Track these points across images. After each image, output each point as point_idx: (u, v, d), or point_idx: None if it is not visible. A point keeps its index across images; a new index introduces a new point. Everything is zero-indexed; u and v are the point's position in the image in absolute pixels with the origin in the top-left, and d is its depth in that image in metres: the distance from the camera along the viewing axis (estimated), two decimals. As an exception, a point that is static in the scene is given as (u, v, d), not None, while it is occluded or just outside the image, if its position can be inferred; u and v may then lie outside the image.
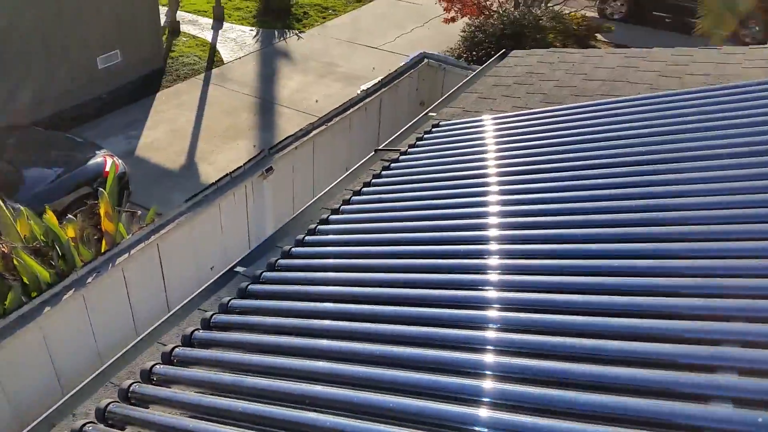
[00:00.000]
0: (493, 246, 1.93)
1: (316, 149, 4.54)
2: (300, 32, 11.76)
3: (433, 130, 3.09)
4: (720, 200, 1.85)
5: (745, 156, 2.04)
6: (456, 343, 1.52)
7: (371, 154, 3.37)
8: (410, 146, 2.95)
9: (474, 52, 8.53)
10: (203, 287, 2.35)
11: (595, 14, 12.78)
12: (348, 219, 2.41)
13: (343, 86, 9.63)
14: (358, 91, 7.63)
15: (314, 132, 4.41)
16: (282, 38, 11.50)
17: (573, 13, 10.21)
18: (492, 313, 1.59)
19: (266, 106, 9.18)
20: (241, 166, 4.03)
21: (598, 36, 11.00)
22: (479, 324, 1.57)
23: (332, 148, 4.74)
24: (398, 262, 1.99)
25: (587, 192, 2.11)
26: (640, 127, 2.51)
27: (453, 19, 10.27)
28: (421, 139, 3.01)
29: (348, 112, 4.78)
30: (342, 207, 2.56)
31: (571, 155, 2.43)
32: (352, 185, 3.07)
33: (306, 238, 2.34)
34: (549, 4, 9.99)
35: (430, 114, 3.79)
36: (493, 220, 2.09)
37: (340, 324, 1.75)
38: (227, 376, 1.63)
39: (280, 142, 4.24)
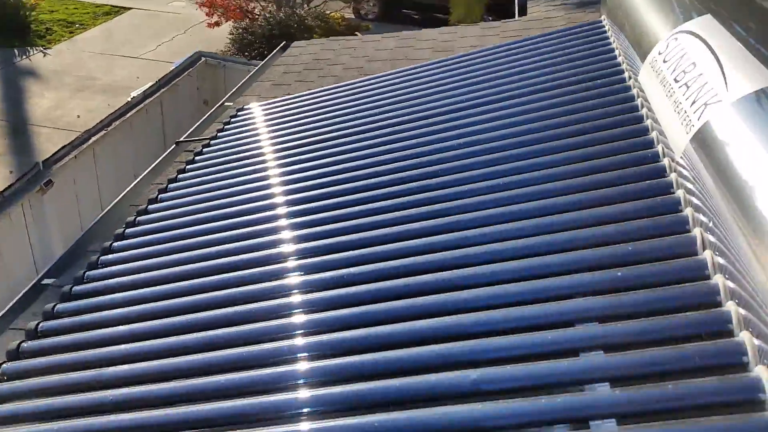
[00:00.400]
0: (289, 232, 1.89)
1: (98, 158, 4.15)
2: (46, 48, 10.62)
3: (239, 114, 3.01)
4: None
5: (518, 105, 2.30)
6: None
7: (173, 147, 3.18)
8: (219, 131, 2.84)
9: (246, 53, 8.44)
10: (11, 304, 2.03)
11: (352, 15, 13.39)
12: (159, 217, 2.20)
13: (107, 98, 8.91)
14: (129, 99, 7.14)
15: (93, 139, 4.03)
16: (24, 56, 10.29)
17: (334, 13, 10.61)
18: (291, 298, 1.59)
19: (18, 128, 8.15)
20: (13, 183, 3.55)
21: (358, 34, 11.57)
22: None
23: (115, 155, 4.37)
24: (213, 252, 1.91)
25: (394, 154, 2.20)
26: (429, 89, 2.69)
27: (217, 24, 10.06)
28: (228, 123, 2.91)
29: (127, 115, 4.45)
30: (149, 207, 2.35)
31: (376, 122, 2.52)
32: (158, 179, 2.87)
33: (114, 244, 2.11)
34: (311, 6, 10.26)
35: (227, 104, 3.69)
36: (296, 197, 2.09)
37: (162, 323, 1.63)
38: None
39: (56, 152, 3.81)
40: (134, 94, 7.25)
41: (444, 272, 1.45)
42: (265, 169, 2.37)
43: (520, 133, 2.00)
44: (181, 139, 3.23)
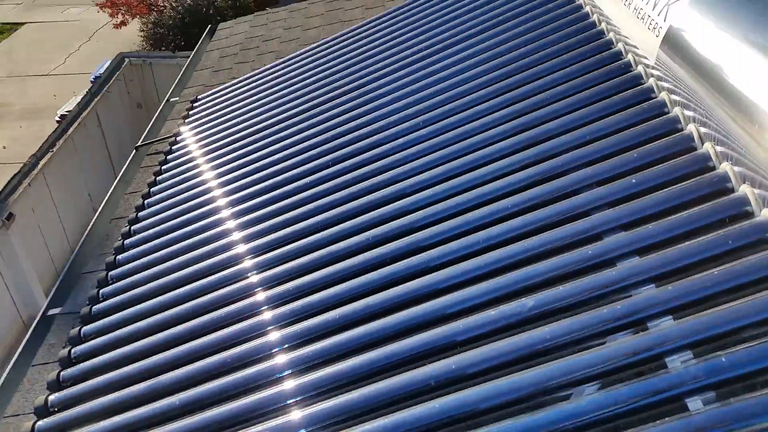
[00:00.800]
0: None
1: (50, 182, 4.01)
2: (-54, 81, 10.02)
3: (195, 106, 2.95)
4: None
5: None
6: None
7: (133, 153, 3.11)
8: (181, 126, 2.79)
9: (163, 48, 8.18)
10: (25, 341, 2.00)
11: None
12: (153, 223, 2.18)
13: (29, 123, 8.53)
14: (56, 119, 6.85)
15: (42, 163, 3.88)
16: (-75, 94, 9.68)
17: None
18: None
19: (-59, 171, 7.73)
20: (-29, 226, 3.40)
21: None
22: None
23: (65, 176, 4.23)
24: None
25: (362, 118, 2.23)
26: (383, 45, 2.69)
27: (123, 23, 9.68)
28: (187, 117, 2.86)
29: (68, 132, 4.29)
30: (138, 215, 2.32)
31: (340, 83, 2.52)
32: (130, 187, 2.82)
33: (117, 258, 2.08)
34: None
35: (172, 100, 3.60)
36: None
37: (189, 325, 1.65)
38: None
39: (8, 184, 3.66)
40: (61, 112, 6.97)
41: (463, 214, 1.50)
42: (241, 157, 2.37)
43: (490, 70, 2.05)
44: (140, 143, 3.16)
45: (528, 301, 1.19)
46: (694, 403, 1.00)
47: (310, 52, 3.07)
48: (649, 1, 1.68)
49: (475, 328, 1.20)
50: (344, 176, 1.92)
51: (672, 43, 1.51)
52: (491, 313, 1.20)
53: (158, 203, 2.26)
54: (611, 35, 1.85)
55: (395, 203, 1.67)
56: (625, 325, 1.13)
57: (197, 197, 2.21)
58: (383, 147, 1.96)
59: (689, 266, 1.17)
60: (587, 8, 2.05)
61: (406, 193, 1.70)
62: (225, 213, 2.04)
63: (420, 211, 1.60)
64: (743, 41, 1.36)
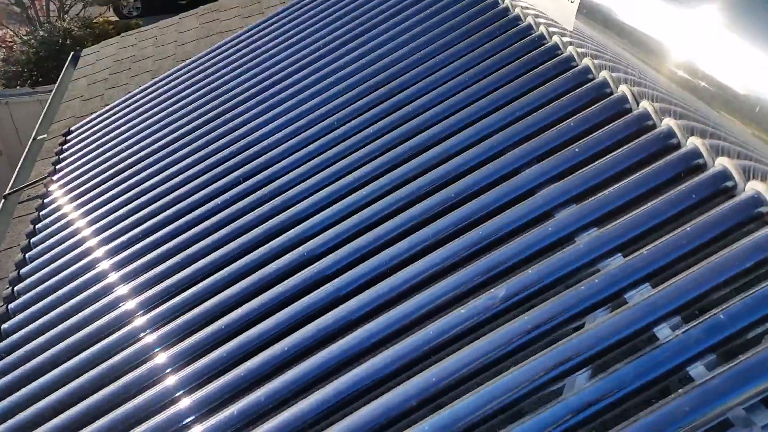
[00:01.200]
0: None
1: None
2: None
3: (70, 139, 2.64)
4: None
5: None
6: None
7: (2, 203, 2.74)
8: (55, 164, 2.48)
9: (18, 85, 7.49)
10: None
11: (114, 16, 12.39)
12: (37, 281, 1.89)
13: None
14: None
15: None
16: None
17: (98, 18, 9.72)
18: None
19: None
20: None
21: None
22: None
23: None
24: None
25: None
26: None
27: (-34, 64, 8.80)
28: (61, 153, 2.55)
29: None
30: (20, 272, 2.00)
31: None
32: (4, 244, 2.48)
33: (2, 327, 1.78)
34: (70, 15, 9.30)
35: (40, 137, 3.24)
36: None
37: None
38: None
39: None
40: None
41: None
42: (127, 190, 2.10)
43: (397, 60, 1.94)
44: (8, 191, 2.79)
45: (498, 292, 1.08)
46: (697, 371, 0.93)
47: (190, 66, 2.84)
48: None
49: (446, 331, 1.08)
50: (240, 202, 1.72)
51: (589, 7, 1.46)
52: (462, 311, 1.08)
53: (42, 255, 1.97)
54: (518, 11, 1.80)
55: (306, 222, 1.51)
56: (603, 301, 1.05)
57: (87, 241, 1.94)
58: (283, 161, 1.79)
59: (656, 227, 1.11)
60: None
61: (327, 203, 1.55)
62: (122, 257, 1.76)
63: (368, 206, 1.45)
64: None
